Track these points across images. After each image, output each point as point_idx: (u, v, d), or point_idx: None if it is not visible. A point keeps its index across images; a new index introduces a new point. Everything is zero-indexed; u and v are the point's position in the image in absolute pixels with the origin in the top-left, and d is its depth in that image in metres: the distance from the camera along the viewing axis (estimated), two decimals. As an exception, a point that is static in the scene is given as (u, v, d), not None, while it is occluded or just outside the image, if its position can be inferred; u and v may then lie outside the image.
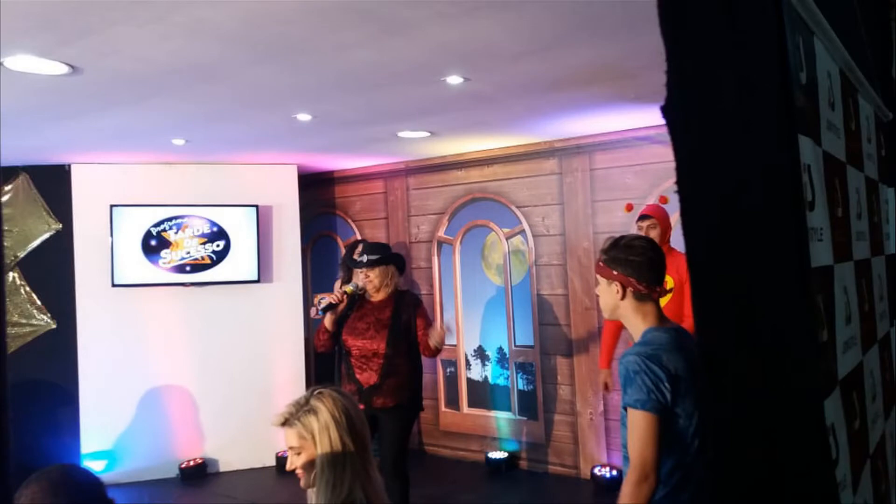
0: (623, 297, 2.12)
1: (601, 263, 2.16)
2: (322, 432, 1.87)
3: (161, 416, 5.60)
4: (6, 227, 5.42)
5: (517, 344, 5.56)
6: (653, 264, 2.12)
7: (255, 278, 5.73)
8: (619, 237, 2.19)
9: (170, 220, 5.55)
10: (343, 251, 6.03)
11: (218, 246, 5.64)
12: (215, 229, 5.64)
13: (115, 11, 2.35)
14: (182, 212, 5.58)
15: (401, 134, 4.79)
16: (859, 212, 1.90)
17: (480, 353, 5.77)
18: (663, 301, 2.36)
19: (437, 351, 3.91)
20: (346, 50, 2.85)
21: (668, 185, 4.64)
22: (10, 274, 5.49)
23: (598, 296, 2.23)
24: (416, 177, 6.07)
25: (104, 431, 5.48)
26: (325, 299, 3.90)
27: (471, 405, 5.82)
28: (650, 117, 4.40)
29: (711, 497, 1.83)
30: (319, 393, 1.94)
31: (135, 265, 5.47)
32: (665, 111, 1.07)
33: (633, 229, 4.22)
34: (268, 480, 5.56)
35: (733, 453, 1.08)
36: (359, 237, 6.31)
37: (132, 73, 3.07)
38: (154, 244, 5.50)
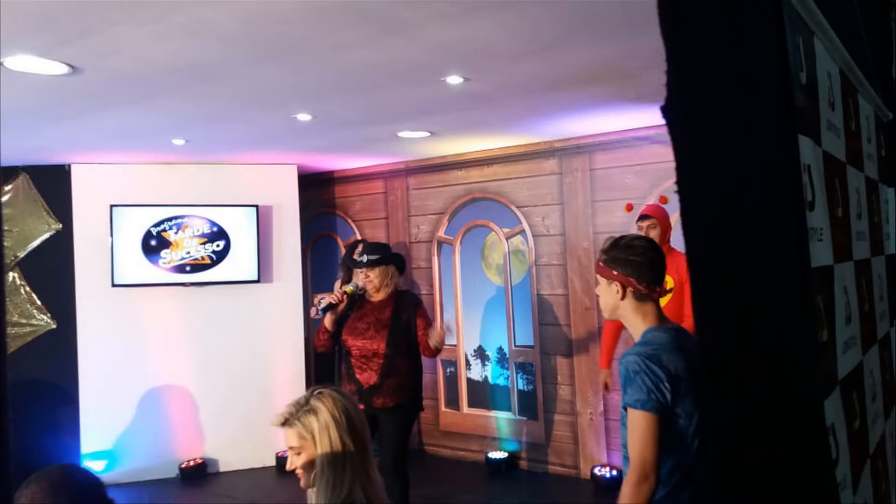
0: (623, 297, 2.12)
1: (601, 263, 2.16)
2: (322, 432, 1.87)
3: (161, 416, 5.60)
4: (6, 227, 5.41)
5: (517, 344, 5.56)
6: (653, 264, 2.12)
7: (255, 278, 5.73)
8: (619, 237, 2.19)
9: (170, 220, 5.55)
10: (343, 251, 6.03)
11: (218, 246, 5.64)
12: (215, 229, 5.64)
13: (115, 11, 2.35)
14: (182, 212, 5.58)
15: (401, 134, 4.79)
16: (859, 212, 1.90)
17: (480, 353, 5.77)
18: (663, 301, 2.36)
19: (437, 351, 3.91)
20: (346, 50, 2.85)
21: (668, 185, 4.64)
22: (10, 274, 5.49)
23: (598, 296, 2.23)
24: (416, 177, 6.07)
25: (104, 431, 5.48)
26: (325, 299, 3.90)
27: (471, 405, 5.82)
28: (650, 117, 4.40)
29: (711, 497, 1.83)
30: (319, 393, 1.94)
31: (135, 265, 5.46)
32: (665, 111, 1.07)
33: (633, 229, 4.22)
34: (268, 480, 5.56)
35: (733, 453, 1.08)
36: (359, 237, 6.31)
37: (132, 73, 3.07)
38: (154, 244, 5.50)
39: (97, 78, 3.12)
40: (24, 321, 5.52)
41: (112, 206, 5.43)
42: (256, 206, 5.75)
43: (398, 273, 4.06)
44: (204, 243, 5.61)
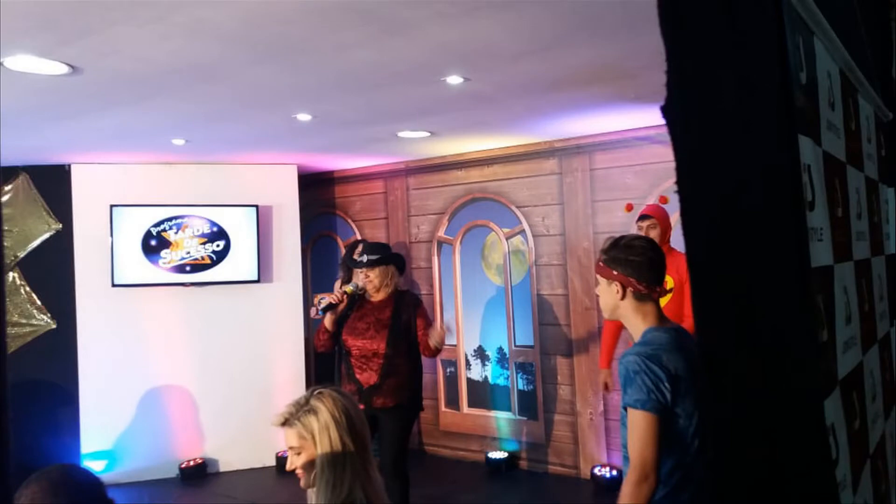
0: (623, 297, 2.12)
1: (601, 263, 2.17)
2: (322, 432, 1.87)
3: (161, 416, 5.60)
4: (6, 227, 5.41)
5: (517, 344, 5.56)
6: (653, 264, 2.12)
7: (255, 278, 5.73)
8: (619, 237, 2.19)
9: (170, 220, 5.55)
10: (343, 251, 6.03)
11: (218, 246, 5.64)
12: (215, 229, 5.64)
13: (115, 11, 2.35)
14: (182, 212, 5.58)
15: (401, 134, 4.79)
16: (859, 212, 1.90)
17: (480, 353, 5.77)
18: (663, 301, 2.36)
19: (437, 351, 3.91)
20: (346, 50, 2.85)
21: (668, 185, 4.64)
22: (10, 274, 5.49)
23: (598, 296, 2.23)
24: (416, 177, 6.07)
25: (104, 431, 5.48)
26: (325, 299, 3.90)
27: (471, 405, 5.82)
28: (650, 117, 4.40)
29: (711, 497, 1.83)
30: (319, 393, 1.94)
31: (135, 265, 5.46)
32: (665, 111, 1.07)
33: (633, 229, 4.22)
34: (268, 480, 5.56)
35: (733, 453, 1.08)
36: (359, 237, 6.31)
37: (132, 73, 3.07)
38: (154, 244, 5.50)
39: (97, 78, 3.12)
40: (24, 321, 5.52)
41: (112, 206, 5.43)
42: (256, 206, 5.75)
43: (398, 273, 4.06)
44: (204, 243, 5.61)
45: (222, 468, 5.73)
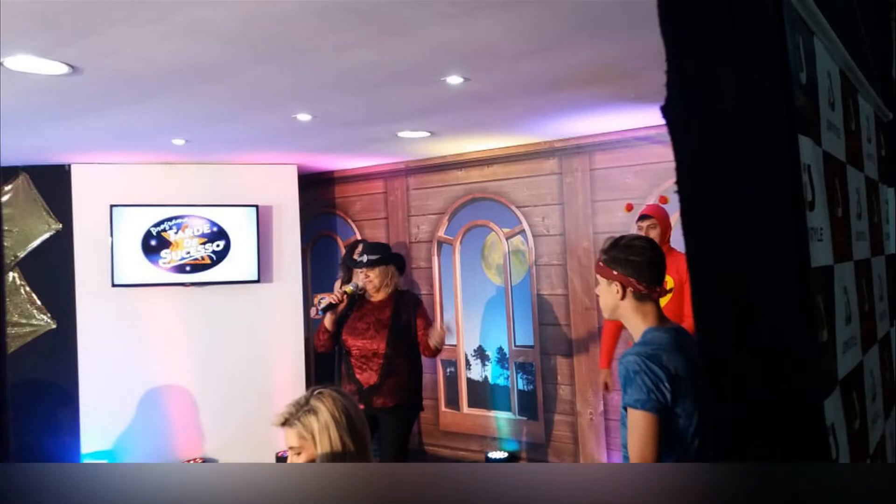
0: (623, 297, 2.12)
1: (601, 263, 2.17)
2: (322, 432, 1.87)
3: (161, 416, 5.60)
4: (6, 227, 5.41)
5: (517, 344, 5.56)
6: (653, 264, 2.12)
7: (255, 278, 5.73)
8: (619, 237, 2.19)
9: (170, 220, 5.55)
10: (343, 251, 6.03)
11: (218, 246, 5.64)
12: (215, 229, 5.64)
13: (115, 11, 2.35)
14: (182, 212, 5.58)
15: (401, 134, 4.79)
16: (859, 212, 1.90)
17: (480, 353, 5.77)
18: (663, 301, 2.36)
19: (437, 351, 3.92)
20: (346, 50, 2.85)
21: (668, 185, 4.64)
22: (10, 274, 5.49)
23: (598, 296, 2.23)
24: (416, 177, 6.07)
25: (104, 431, 5.47)
26: (325, 299, 3.91)
27: (471, 405, 5.82)
28: (650, 117, 4.39)
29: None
30: (319, 393, 1.95)
31: (135, 265, 5.46)
32: (665, 111, 1.07)
33: (633, 229, 4.22)
34: (268, 480, 5.55)
35: (733, 453, 1.08)
36: (359, 237, 6.31)
37: (132, 73, 3.07)
38: (154, 244, 5.50)
39: (97, 78, 3.12)
40: (24, 321, 5.52)
41: (112, 206, 5.42)
42: (256, 206, 5.74)
43: (398, 273, 4.06)
44: (204, 243, 5.60)
45: (222, 468, 5.72)
